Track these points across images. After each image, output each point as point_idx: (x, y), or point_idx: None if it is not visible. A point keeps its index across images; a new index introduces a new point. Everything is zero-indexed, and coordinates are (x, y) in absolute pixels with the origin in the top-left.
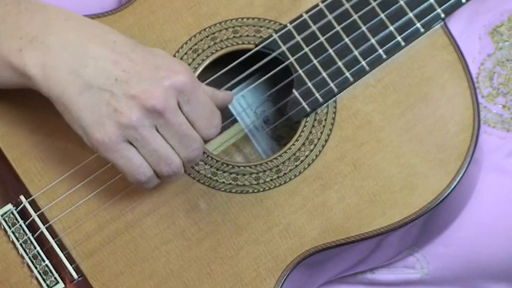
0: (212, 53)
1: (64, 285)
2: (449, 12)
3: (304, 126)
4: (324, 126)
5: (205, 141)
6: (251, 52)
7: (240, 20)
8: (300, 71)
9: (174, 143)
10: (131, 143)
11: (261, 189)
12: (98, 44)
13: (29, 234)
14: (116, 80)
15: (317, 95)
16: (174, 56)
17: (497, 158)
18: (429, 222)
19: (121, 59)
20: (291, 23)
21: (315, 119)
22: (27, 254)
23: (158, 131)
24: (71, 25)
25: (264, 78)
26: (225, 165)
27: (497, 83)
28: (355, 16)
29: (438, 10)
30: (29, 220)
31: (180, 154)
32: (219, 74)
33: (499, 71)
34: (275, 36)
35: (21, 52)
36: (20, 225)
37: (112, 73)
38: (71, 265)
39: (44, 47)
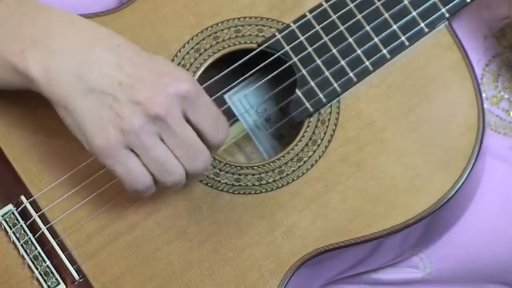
0: (214, 53)
1: (65, 286)
2: (453, 11)
3: (308, 126)
4: (327, 126)
5: (217, 148)
6: (255, 52)
7: (242, 19)
8: (304, 71)
9: (179, 153)
10: (132, 151)
11: (264, 190)
12: (101, 48)
13: (30, 235)
14: (119, 84)
15: (320, 95)
16: (176, 55)
17: (500, 157)
18: (433, 222)
19: (125, 63)
20: (294, 22)
21: (318, 119)
22: (28, 255)
23: (162, 139)
24: (74, 28)
25: (267, 78)
26: (227, 166)
27: (502, 86)
28: (359, 16)
29: (443, 10)
30: (30, 220)
31: (184, 164)
32: (221, 74)
33: (504, 73)
34: (278, 36)
35: (24, 54)
36: (21, 225)
37: (115, 77)
38: (72, 266)
39: (46, 50)
